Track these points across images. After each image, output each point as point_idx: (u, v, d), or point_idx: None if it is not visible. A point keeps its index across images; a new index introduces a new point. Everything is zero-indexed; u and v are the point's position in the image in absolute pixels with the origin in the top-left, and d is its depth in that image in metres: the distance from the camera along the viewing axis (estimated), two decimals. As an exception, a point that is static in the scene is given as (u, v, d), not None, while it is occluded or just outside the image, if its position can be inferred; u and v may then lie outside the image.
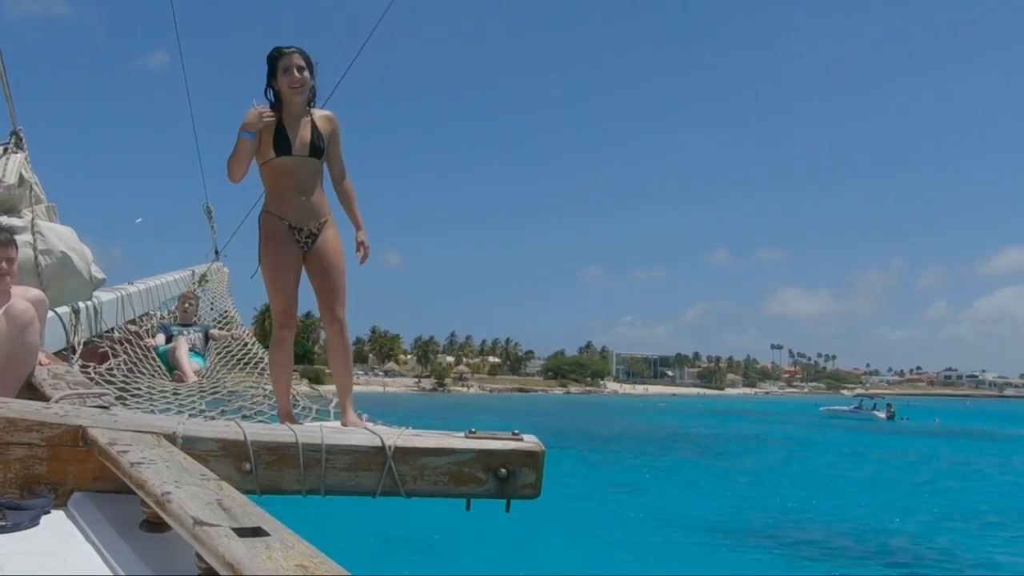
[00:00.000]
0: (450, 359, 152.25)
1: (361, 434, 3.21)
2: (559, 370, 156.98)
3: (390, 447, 3.09)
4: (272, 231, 3.98)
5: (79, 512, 2.65)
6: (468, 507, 3.13)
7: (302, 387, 5.32)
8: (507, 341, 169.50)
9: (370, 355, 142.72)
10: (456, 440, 3.18)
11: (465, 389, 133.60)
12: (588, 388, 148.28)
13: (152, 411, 4.37)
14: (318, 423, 3.78)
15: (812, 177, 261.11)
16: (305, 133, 4.03)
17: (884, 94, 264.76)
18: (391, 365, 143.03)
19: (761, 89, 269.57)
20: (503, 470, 3.10)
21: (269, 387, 5.30)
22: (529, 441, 3.19)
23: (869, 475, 31.82)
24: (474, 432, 3.21)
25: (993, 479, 31.58)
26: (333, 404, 4.62)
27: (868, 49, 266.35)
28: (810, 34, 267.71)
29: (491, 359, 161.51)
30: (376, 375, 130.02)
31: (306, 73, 4.01)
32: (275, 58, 4.02)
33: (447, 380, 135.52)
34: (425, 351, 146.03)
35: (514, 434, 3.21)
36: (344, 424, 3.91)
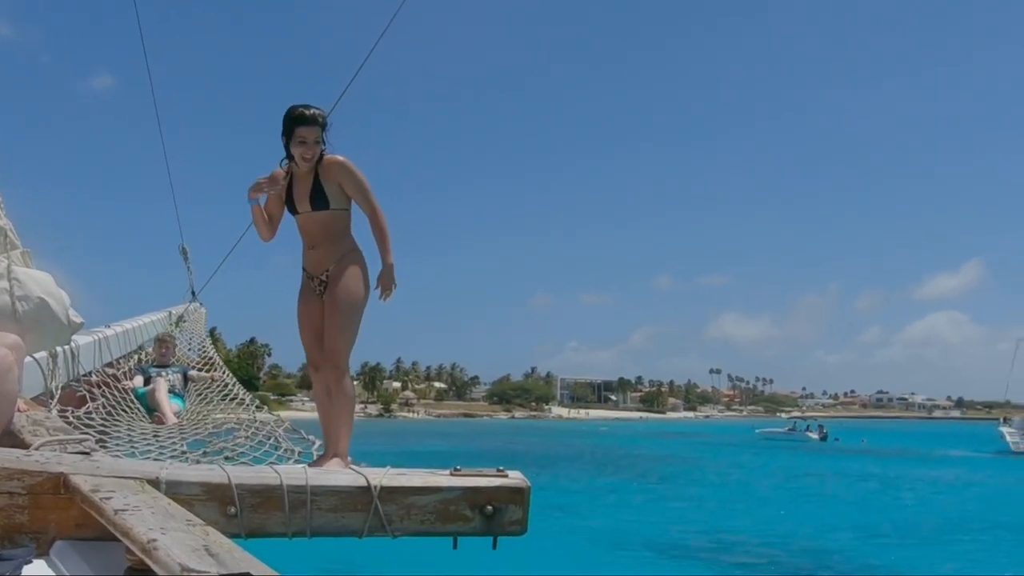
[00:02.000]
0: (396, 385, 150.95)
1: (346, 474, 3.16)
2: (504, 395, 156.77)
3: (376, 487, 3.04)
4: (302, 283, 4.18)
5: (62, 561, 2.56)
6: (455, 545, 3.10)
7: (280, 429, 5.20)
8: (453, 367, 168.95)
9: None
10: (442, 478, 3.14)
11: (411, 415, 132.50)
12: (533, 413, 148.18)
13: (133, 454, 4.26)
14: (302, 465, 3.71)
15: (753, 203, 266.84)
16: (306, 189, 4.07)
17: (820, 121, 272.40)
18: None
19: (702, 114, 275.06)
20: (489, 507, 3.07)
21: (253, 428, 5.22)
22: (514, 477, 3.17)
23: (800, 493, 32.45)
24: (459, 469, 3.18)
25: (913, 496, 32.42)
26: (316, 446, 4.54)
27: (805, 74, 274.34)
28: (748, 59, 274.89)
29: (437, 385, 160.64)
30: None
31: (318, 145, 4.05)
32: (294, 121, 4.03)
33: (393, 406, 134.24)
34: (371, 377, 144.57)
35: (499, 470, 3.19)
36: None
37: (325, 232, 4.08)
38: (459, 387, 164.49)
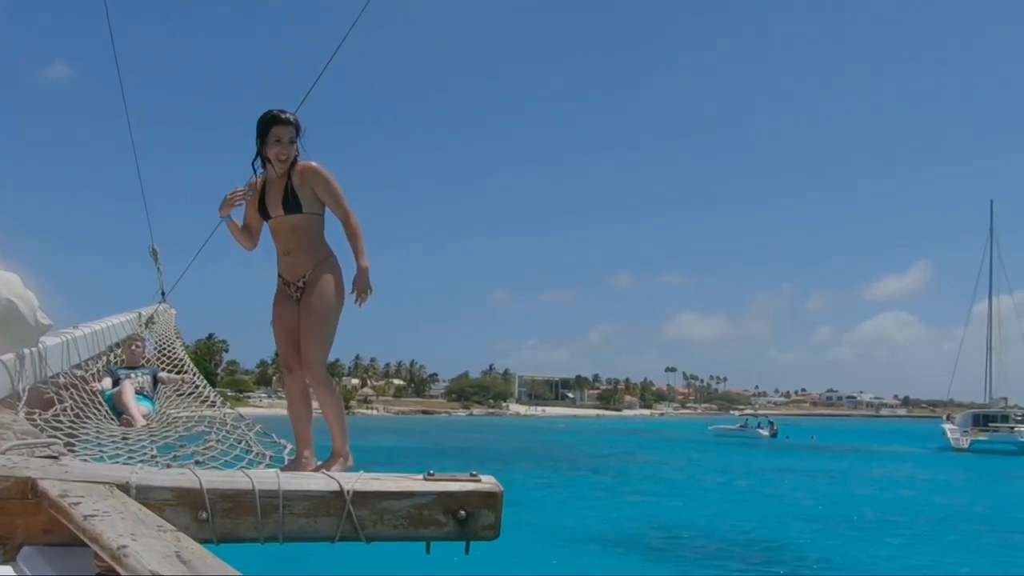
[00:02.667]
0: (355, 381, 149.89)
1: (318, 479, 3.12)
2: (462, 392, 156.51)
3: (348, 491, 3.01)
4: (277, 288, 4.16)
5: (29, 567, 2.50)
6: (428, 550, 3.08)
7: (252, 432, 5.12)
8: (412, 364, 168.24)
9: (274, 378, 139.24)
10: (415, 483, 3.12)
11: (370, 412, 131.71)
12: (491, 410, 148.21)
13: (101, 457, 4.17)
14: (275, 468, 3.66)
15: (711, 205, 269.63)
16: (278, 193, 4.07)
17: (775, 128, 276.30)
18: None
19: (662, 119, 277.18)
20: (462, 512, 3.06)
21: (224, 431, 5.14)
22: (487, 482, 3.16)
23: (748, 489, 33.00)
24: (433, 474, 3.16)
25: (857, 491, 33.12)
26: (288, 450, 4.48)
27: (758, 78, 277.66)
28: (703, 63, 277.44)
29: (396, 382, 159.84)
30: (280, 398, 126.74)
31: (292, 145, 4.06)
32: (270, 122, 4.05)
33: (352, 402, 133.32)
34: (330, 373, 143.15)
35: (472, 475, 3.18)
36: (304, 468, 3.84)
37: (299, 237, 4.06)
38: (418, 384, 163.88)
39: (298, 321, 4.03)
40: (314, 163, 4.08)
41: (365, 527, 3.00)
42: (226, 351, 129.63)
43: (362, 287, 3.98)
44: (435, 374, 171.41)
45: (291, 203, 4.03)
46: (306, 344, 3.99)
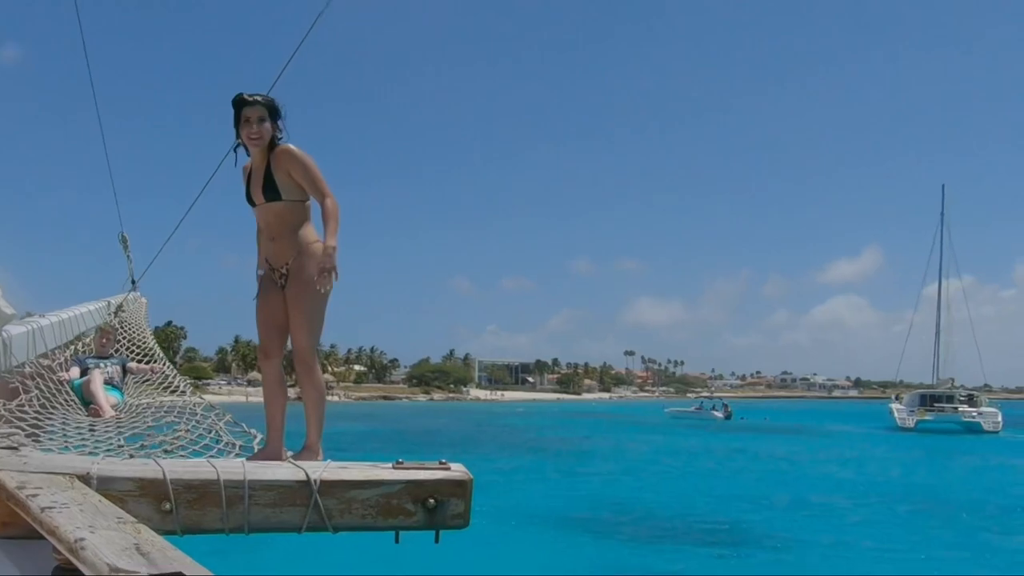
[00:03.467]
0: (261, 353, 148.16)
1: (285, 468, 3.05)
2: (423, 378, 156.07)
3: (315, 481, 2.95)
4: (264, 274, 4.07)
5: (-15, 562, 2.41)
6: (397, 539, 3.03)
7: (221, 422, 5.00)
8: (372, 350, 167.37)
9: (233, 365, 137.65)
10: (383, 471, 3.07)
11: (330, 397, 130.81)
12: (451, 395, 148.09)
13: (67, 447, 4.05)
14: (241, 458, 3.57)
15: (668, 189, 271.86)
16: (259, 179, 3.98)
17: (731, 118, 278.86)
18: (254, 374, 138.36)
19: (620, 109, 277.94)
20: (431, 501, 3.01)
21: (193, 420, 5.03)
22: (457, 470, 3.11)
23: (701, 469, 33.50)
24: (401, 463, 3.10)
25: (805, 469, 33.82)
26: (258, 440, 4.38)
27: (716, 69, 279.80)
28: (662, 52, 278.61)
29: (356, 368, 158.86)
30: (239, 385, 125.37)
31: (266, 124, 3.95)
32: (237, 106, 3.97)
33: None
34: (289, 360, 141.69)
35: (441, 463, 3.13)
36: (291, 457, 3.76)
37: (282, 224, 3.97)
38: (378, 370, 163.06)
39: (282, 307, 3.95)
40: (289, 146, 3.97)
41: (332, 517, 2.94)
42: (184, 338, 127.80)
43: (324, 266, 3.80)
44: (396, 360, 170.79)
45: (270, 189, 3.95)
46: (294, 331, 3.92)
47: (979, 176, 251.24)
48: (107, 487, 2.67)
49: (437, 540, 3.03)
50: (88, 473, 2.67)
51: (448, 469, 3.10)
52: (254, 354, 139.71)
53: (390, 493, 3.00)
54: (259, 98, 3.98)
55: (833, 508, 22.97)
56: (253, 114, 3.94)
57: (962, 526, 20.73)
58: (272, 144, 3.99)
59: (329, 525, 2.93)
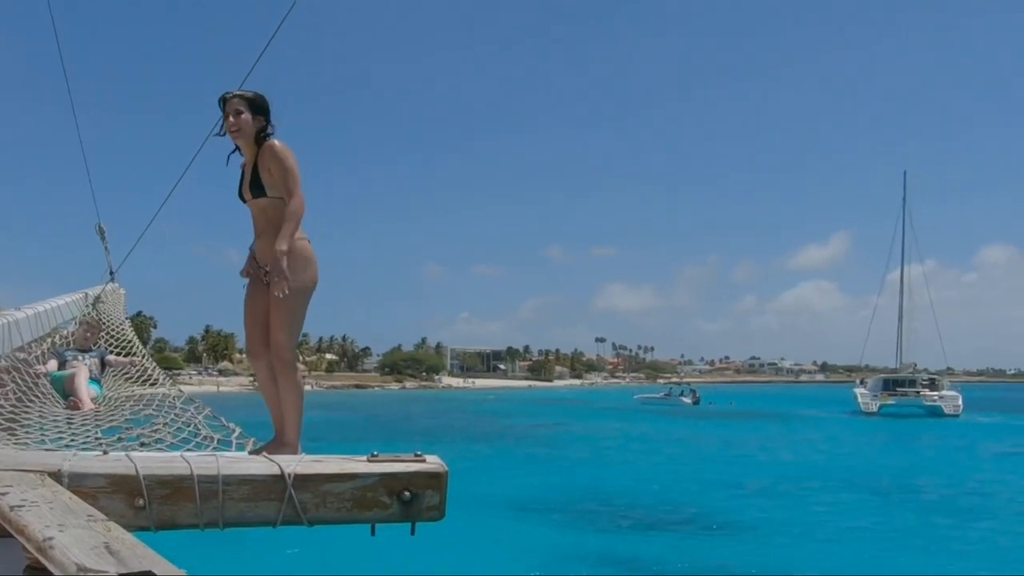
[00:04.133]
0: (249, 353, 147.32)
1: (259, 462, 3.02)
2: (395, 366, 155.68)
3: (290, 475, 2.92)
4: (253, 271, 4.06)
5: (-45, 562, 2.37)
6: (373, 532, 3.02)
7: (201, 416, 4.94)
8: (344, 338, 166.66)
9: (204, 354, 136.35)
10: (358, 464, 3.05)
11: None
12: (423, 383, 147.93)
13: (43, 441, 3.98)
14: (217, 454, 3.53)
15: (640, 177, 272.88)
16: (248, 175, 3.99)
17: (700, 105, 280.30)
18: (225, 364, 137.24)
19: (591, 94, 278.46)
20: (407, 493, 2.99)
21: (172, 414, 4.97)
22: (432, 462, 3.10)
23: (668, 454, 33.91)
24: (376, 455, 3.08)
25: (770, 455, 34.33)
26: (236, 434, 4.34)
27: (684, 58, 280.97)
28: (632, 41, 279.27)
29: (328, 356, 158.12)
30: (210, 375, 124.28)
31: (244, 116, 3.95)
32: (221, 102, 4.00)
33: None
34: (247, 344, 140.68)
35: (416, 455, 3.12)
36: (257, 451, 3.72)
37: (266, 220, 3.94)
38: (350, 358, 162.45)
39: (267, 305, 3.93)
40: (274, 142, 3.95)
41: (307, 511, 2.92)
42: (154, 327, 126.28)
43: (272, 271, 3.78)
44: (367, 348, 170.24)
45: (256, 185, 3.94)
46: (272, 328, 3.89)
47: (943, 162, 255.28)
48: (79, 483, 2.63)
49: (413, 532, 3.02)
50: (60, 470, 2.63)
51: (423, 461, 3.09)
52: (225, 344, 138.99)
53: (365, 486, 2.99)
54: (238, 92, 4.00)
55: (797, 494, 23.32)
56: (231, 107, 3.97)
57: (921, 510, 21.14)
58: (261, 140, 3.97)
59: (304, 519, 2.91)
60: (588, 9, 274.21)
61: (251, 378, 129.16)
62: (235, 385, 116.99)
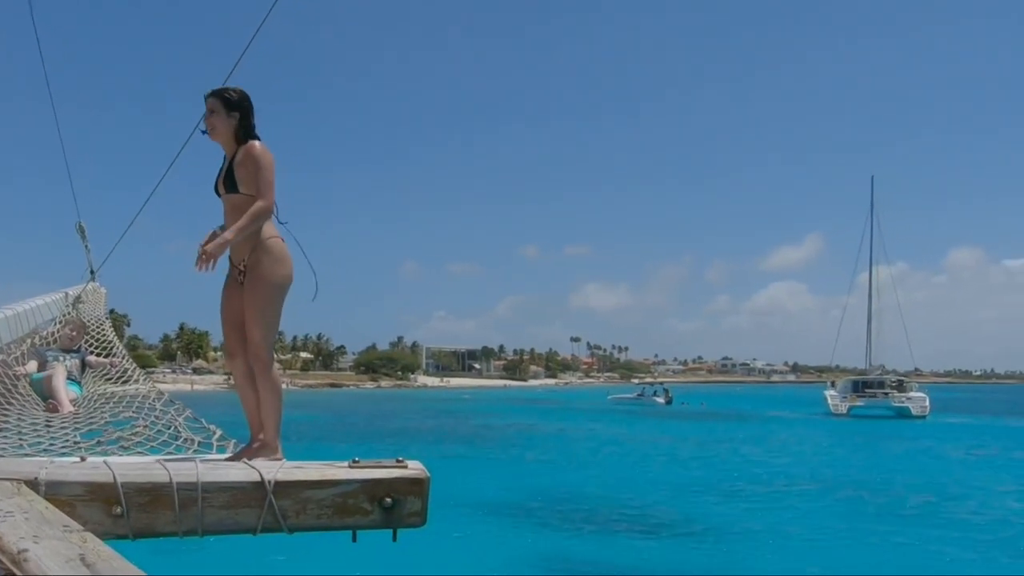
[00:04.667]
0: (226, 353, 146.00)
1: (239, 469, 2.98)
2: (370, 365, 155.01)
3: (270, 481, 2.89)
4: (228, 270, 3.99)
5: (-73, 574, 2.30)
6: (354, 539, 2.98)
7: (181, 417, 4.86)
8: (319, 337, 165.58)
9: (178, 353, 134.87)
10: (339, 470, 3.02)
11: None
12: (399, 382, 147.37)
13: (22, 445, 3.90)
14: (195, 457, 3.47)
15: (615, 177, 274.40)
16: (224, 171, 3.97)
17: (675, 106, 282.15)
18: (200, 362, 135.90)
19: (569, 98, 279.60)
20: (388, 499, 2.97)
21: (152, 416, 4.89)
22: (414, 468, 3.07)
23: (639, 455, 34.03)
24: (358, 461, 3.06)
25: (741, 456, 34.53)
26: (217, 436, 4.28)
27: (661, 60, 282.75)
28: (608, 41, 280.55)
29: (303, 355, 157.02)
30: (184, 373, 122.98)
31: (216, 116, 3.94)
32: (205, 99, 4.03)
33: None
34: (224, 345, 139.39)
35: (398, 461, 3.09)
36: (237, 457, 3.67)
37: (237, 217, 3.87)
38: (325, 357, 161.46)
39: (242, 305, 3.88)
40: (254, 143, 3.94)
41: (288, 518, 2.89)
42: (128, 325, 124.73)
43: (209, 248, 3.72)
44: (343, 347, 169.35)
45: (229, 181, 3.92)
46: (248, 328, 3.84)
47: (913, 165, 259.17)
48: (55, 492, 2.58)
49: (395, 538, 3.00)
50: (36, 478, 2.57)
51: (405, 467, 3.06)
52: (199, 342, 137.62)
53: (346, 492, 2.96)
54: (214, 90, 3.99)
55: (767, 495, 23.45)
56: (207, 107, 3.97)
57: (888, 511, 21.35)
58: (242, 138, 3.95)
59: (284, 526, 2.88)
60: (565, 10, 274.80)
61: (226, 376, 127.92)
62: (209, 384, 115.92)
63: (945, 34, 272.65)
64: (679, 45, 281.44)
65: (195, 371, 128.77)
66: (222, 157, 4.05)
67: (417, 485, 3.02)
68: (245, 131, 3.96)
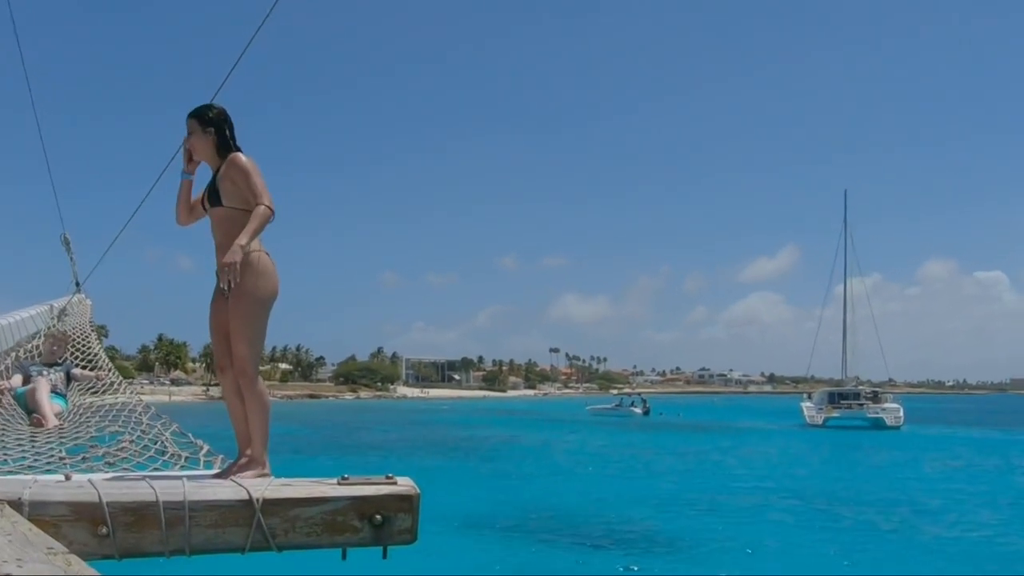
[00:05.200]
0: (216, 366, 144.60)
1: (226, 487, 2.93)
2: (350, 376, 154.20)
3: (258, 499, 2.84)
4: (216, 284, 3.94)
5: (-93, 598, 2.23)
6: (344, 556, 2.94)
7: (168, 432, 4.78)
8: (298, 348, 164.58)
9: (156, 363, 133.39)
10: (328, 488, 2.97)
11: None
12: (378, 393, 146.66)
13: (6, 460, 3.83)
14: (182, 474, 3.41)
15: (593, 188, 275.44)
16: (209, 185, 3.98)
17: (650, 117, 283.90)
18: (178, 373, 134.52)
19: (547, 107, 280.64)
20: (378, 516, 2.92)
21: (138, 431, 4.81)
22: (403, 484, 3.03)
23: (617, 467, 33.98)
24: (347, 478, 3.01)
25: (718, 467, 34.55)
26: (204, 451, 4.21)
27: (635, 71, 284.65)
28: (584, 50, 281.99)
29: (282, 366, 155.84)
30: (162, 384, 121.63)
31: (194, 136, 3.98)
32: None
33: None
34: (214, 358, 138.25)
35: (388, 478, 3.05)
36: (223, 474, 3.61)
37: (223, 231, 3.87)
38: (304, 368, 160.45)
39: (228, 319, 3.86)
40: (238, 154, 3.93)
41: (276, 536, 2.84)
42: (106, 335, 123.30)
43: (225, 260, 3.67)
44: (322, 358, 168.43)
45: (213, 195, 3.92)
46: (233, 343, 3.81)
47: (886, 178, 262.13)
48: (40, 512, 2.52)
49: (385, 556, 2.95)
50: (20, 498, 2.51)
51: (395, 483, 3.02)
52: (177, 353, 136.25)
53: (335, 510, 2.91)
54: (192, 111, 4.03)
55: (745, 508, 23.44)
56: (188, 128, 4.02)
57: (864, 521, 21.45)
58: (223, 152, 3.96)
59: (273, 544, 2.83)
60: (542, 21, 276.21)
61: (203, 387, 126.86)
62: (187, 394, 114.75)
63: (917, 47, 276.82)
64: (656, 59, 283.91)
65: (173, 382, 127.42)
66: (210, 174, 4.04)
67: (407, 502, 2.98)
68: (224, 144, 3.97)
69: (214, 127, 3.96)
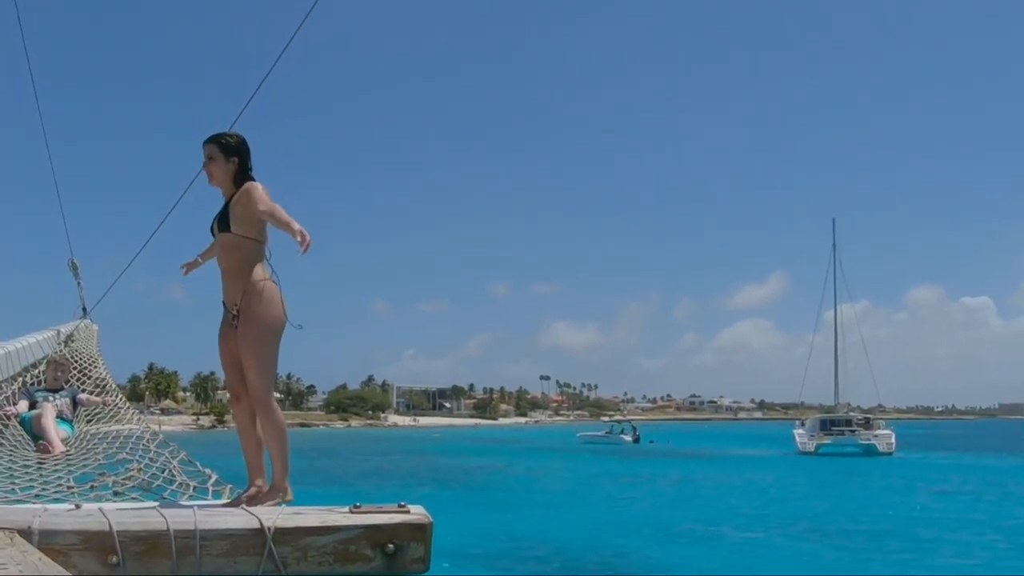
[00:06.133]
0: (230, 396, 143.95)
1: (238, 516, 2.89)
2: (341, 404, 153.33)
3: (269, 528, 2.80)
4: (224, 314, 3.96)
5: (-84, 630, 2.18)
6: (356, 586, 2.89)
7: (176, 460, 4.73)
8: (288, 376, 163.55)
9: (146, 393, 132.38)
10: (340, 516, 2.93)
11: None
12: (369, 422, 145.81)
13: (14, 489, 3.78)
14: (192, 503, 3.36)
15: (584, 215, 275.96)
16: (221, 212, 3.98)
17: (639, 143, 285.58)
18: (168, 403, 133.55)
19: (534, 131, 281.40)
20: (391, 545, 2.89)
21: (146, 459, 4.76)
22: (416, 513, 3.00)
23: (607, 496, 33.78)
24: (359, 507, 2.98)
25: (710, 496, 34.28)
26: (213, 480, 4.16)
27: (626, 95, 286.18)
28: (572, 78, 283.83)
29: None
30: (152, 413, 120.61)
31: (214, 163, 3.97)
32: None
33: (227, 416, 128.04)
34: (204, 387, 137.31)
35: (400, 506, 3.02)
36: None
37: (230, 258, 3.88)
38: (295, 397, 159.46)
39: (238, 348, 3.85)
40: (252, 183, 3.95)
41: (288, 565, 2.80)
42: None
43: (303, 229, 3.68)
44: (312, 386, 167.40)
45: (223, 221, 3.92)
46: (247, 373, 3.80)
47: (873, 204, 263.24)
48: (49, 541, 2.48)
49: (396, 586, 2.91)
50: (30, 527, 2.48)
51: (407, 512, 2.99)
52: (167, 383, 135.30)
53: (347, 539, 2.87)
54: (211, 137, 4.03)
55: (736, 537, 23.23)
56: (205, 151, 4.01)
57: (858, 549, 21.34)
58: (240, 181, 3.96)
59: (285, 574, 2.79)
60: (529, 45, 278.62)
61: (193, 417, 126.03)
62: (177, 424, 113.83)
63: (903, 73, 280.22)
64: (647, 82, 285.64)
65: (163, 411, 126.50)
66: (220, 199, 4.05)
67: (420, 531, 2.95)
68: (243, 174, 3.98)
69: (237, 156, 3.99)
